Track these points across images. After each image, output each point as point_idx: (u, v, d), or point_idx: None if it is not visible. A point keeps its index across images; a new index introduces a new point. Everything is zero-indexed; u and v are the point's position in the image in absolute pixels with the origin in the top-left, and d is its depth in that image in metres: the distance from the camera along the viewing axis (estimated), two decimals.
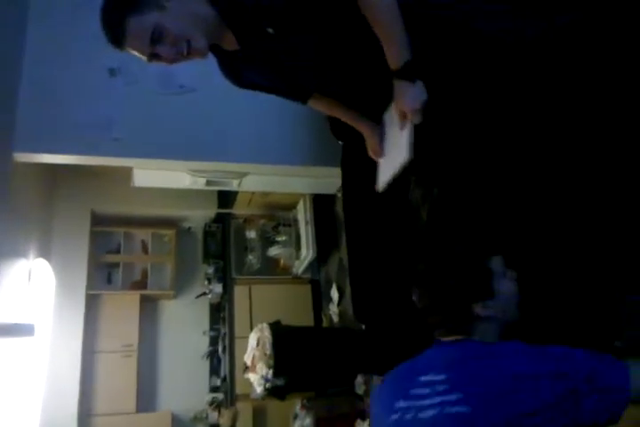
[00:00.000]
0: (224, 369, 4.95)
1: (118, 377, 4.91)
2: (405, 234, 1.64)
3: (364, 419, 3.72)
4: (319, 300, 4.87)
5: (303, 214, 4.53)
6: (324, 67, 1.47)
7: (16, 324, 3.32)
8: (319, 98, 1.63)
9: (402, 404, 1.19)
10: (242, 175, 3.77)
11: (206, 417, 4.89)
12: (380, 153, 1.55)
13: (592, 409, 1.03)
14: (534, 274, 1.37)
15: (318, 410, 3.84)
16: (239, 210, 5.05)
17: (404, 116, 1.37)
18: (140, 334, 5.12)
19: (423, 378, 1.17)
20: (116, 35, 1.36)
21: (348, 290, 4.15)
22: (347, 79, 1.50)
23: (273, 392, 3.41)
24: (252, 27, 1.37)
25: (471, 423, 1.06)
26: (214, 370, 5.15)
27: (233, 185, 3.94)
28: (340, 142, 1.84)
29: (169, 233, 5.54)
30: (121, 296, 5.21)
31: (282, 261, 4.98)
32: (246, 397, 4.31)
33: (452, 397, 1.09)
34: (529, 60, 1.41)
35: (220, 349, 5.10)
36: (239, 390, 4.57)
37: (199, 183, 3.81)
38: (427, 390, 1.14)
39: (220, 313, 5.22)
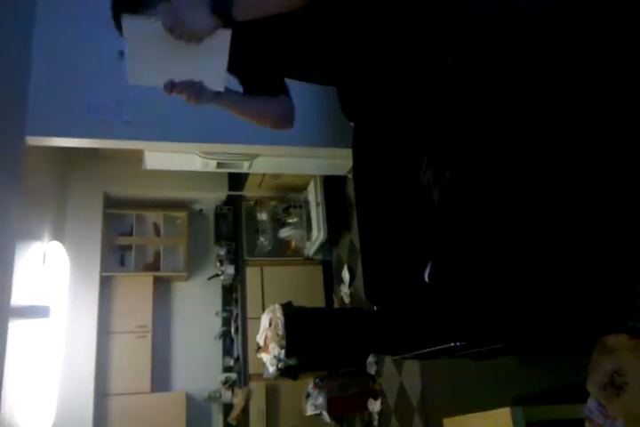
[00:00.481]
0: (237, 349, 5.00)
1: (133, 357, 4.98)
2: (417, 215, 1.64)
3: (375, 398, 3.77)
4: (330, 281, 4.89)
5: (314, 196, 4.53)
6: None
7: (32, 306, 3.38)
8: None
9: None
10: (252, 157, 3.77)
11: (220, 397, 4.97)
12: None
13: None
14: (549, 254, 1.36)
15: (330, 389, 3.89)
16: (250, 192, 5.05)
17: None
18: (154, 315, 5.17)
19: None
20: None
21: (359, 271, 4.16)
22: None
23: (285, 372, 3.45)
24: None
25: None
26: (227, 350, 5.21)
27: (243, 167, 3.94)
28: (351, 123, 1.82)
29: (181, 215, 5.56)
30: (134, 278, 5.26)
31: (293, 243, 4.99)
32: (259, 376, 4.37)
33: None
34: (538, 36, 1.38)
35: (232, 329, 5.15)
36: (252, 369, 4.62)
37: (210, 166, 3.82)
38: None
39: (232, 294, 5.26)
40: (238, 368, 4.91)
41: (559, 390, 2.06)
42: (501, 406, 1.94)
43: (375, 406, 3.75)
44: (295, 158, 3.90)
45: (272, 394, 4.66)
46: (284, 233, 4.92)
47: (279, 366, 3.42)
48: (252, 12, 1.33)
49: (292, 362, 3.40)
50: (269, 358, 3.48)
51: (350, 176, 4.11)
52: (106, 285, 5.02)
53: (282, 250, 5.05)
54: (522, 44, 1.37)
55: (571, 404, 1.80)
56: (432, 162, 1.59)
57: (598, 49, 1.32)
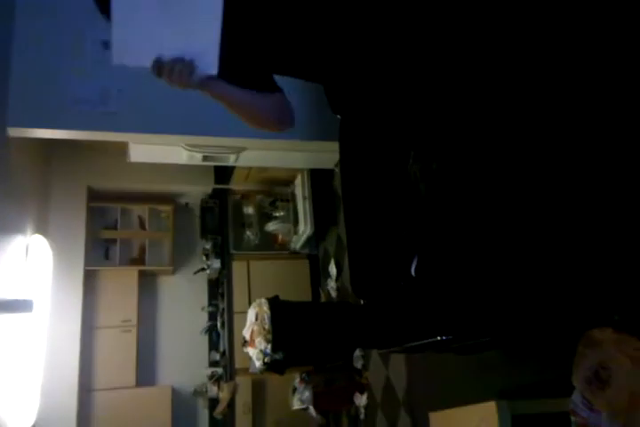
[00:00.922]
0: (223, 344, 4.99)
1: (118, 352, 4.95)
2: (404, 208, 1.63)
3: (361, 392, 3.77)
4: (317, 275, 4.88)
5: (301, 189, 4.51)
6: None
7: (14, 300, 3.33)
8: None
9: None
10: (239, 150, 3.74)
11: (206, 391, 4.96)
12: None
13: None
14: (535, 247, 1.36)
15: (317, 384, 3.89)
16: (236, 185, 5.02)
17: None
18: (139, 309, 5.15)
19: None
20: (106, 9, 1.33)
21: (346, 265, 4.16)
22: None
23: (272, 366, 3.44)
24: None
25: None
26: (213, 345, 5.20)
27: (230, 160, 3.91)
28: (337, 116, 1.80)
29: (166, 209, 5.52)
30: (119, 272, 5.23)
31: (280, 237, 4.98)
32: (245, 371, 4.36)
33: None
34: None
35: (218, 324, 5.14)
36: (238, 364, 4.62)
37: (196, 158, 3.78)
38: None
39: (218, 288, 5.24)
40: (224, 363, 4.90)
41: (544, 384, 2.07)
42: (487, 399, 1.95)
43: (361, 400, 3.76)
44: (282, 152, 3.87)
45: (258, 388, 4.66)
46: (271, 227, 4.90)
47: (265, 360, 3.41)
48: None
49: (278, 356, 3.40)
50: (256, 352, 3.47)
51: (337, 170, 4.10)
52: (90, 279, 4.97)
53: (268, 244, 5.04)
54: (517, 37, 1.35)
55: (556, 398, 1.81)
56: (419, 155, 1.58)
57: (595, 48, 1.32)
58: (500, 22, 1.36)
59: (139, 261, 5.36)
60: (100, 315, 5.01)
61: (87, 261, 4.87)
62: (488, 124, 1.43)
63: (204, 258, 5.18)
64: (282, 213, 4.84)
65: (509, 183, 1.41)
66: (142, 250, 5.40)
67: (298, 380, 3.98)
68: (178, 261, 5.43)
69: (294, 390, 4.01)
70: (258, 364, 3.47)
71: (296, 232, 4.67)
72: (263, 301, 3.54)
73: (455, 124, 1.45)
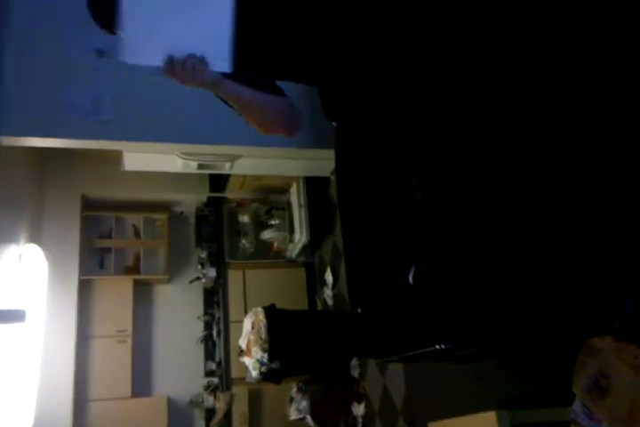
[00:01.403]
0: (219, 353, 4.96)
1: (113, 362, 4.91)
2: (400, 216, 1.61)
3: (359, 402, 3.74)
4: (313, 283, 4.87)
5: (296, 197, 4.50)
6: None
7: (6, 310, 3.30)
8: None
9: None
10: (234, 158, 3.73)
11: (202, 401, 4.92)
12: None
13: None
14: (534, 256, 1.35)
15: (314, 393, 3.86)
16: (231, 194, 5.01)
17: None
18: (134, 318, 5.11)
19: None
20: (107, 26, 1.33)
21: (342, 273, 4.14)
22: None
23: (268, 376, 3.41)
24: None
25: None
26: (209, 354, 5.16)
27: (225, 168, 3.90)
28: (333, 123, 1.79)
29: (161, 217, 5.50)
30: (114, 281, 5.19)
31: (275, 245, 4.96)
32: (242, 380, 4.33)
33: None
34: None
35: (214, 333, 5.10)
36: (234, 373, 4.59)
37: (191, 167, 3.77)
38: None
39: (213, 297, 5.21)
40: (220, 372, 4.86)
41: (544, 393, 2.05)
42: (487, 409, 1.93)
43: (359, 409, 3.73)
44: (277, 160, 3.87)
45: (255, 398, 4.62)
46: (267, 235, 4.88)
47: (262, 369, 3.38)
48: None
49: (274, 366, 3.37)
50: (252, 361, 3.44)
51: (333, 177, 4.09)
52: (85, 288, 4.94)
53: (264, 252, 5.02)
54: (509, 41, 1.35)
55: (556, 407, 1.79)
56: (415, 163, 1.57)
57: (592, 48, 1.31)
58: (494, 34, 1.35)
59: (134, 269, 5.33)
60: (94, 325, 4.97)
61: (82, 271, 4.85)
62: (484, 131, 1.42)
63: (200, 267, 5.16)
64: (277, 222, 4.83)
65: (507, 191, 1.40)
66: (137, 259, 5.37)
67: (295, 389, 3.95)
68: (173, 270, 5.40)
69: (291, 399, 3.98)
70: (254, 373, 3.44)
71: (292, 240, 4.65)
72: (259, 309, 3.52)
73: (451, 131, 1.44)
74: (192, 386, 5.01)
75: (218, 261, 5.07)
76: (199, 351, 5.21)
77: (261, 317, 3.47)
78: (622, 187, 1.30)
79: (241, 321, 3.73)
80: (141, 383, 5.04)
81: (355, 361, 3.84)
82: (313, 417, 3.88)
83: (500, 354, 2.14)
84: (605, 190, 1.33)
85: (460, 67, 1.38)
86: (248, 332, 3.54)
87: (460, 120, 1.42)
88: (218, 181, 5.03)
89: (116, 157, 3.78)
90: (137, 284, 5.24)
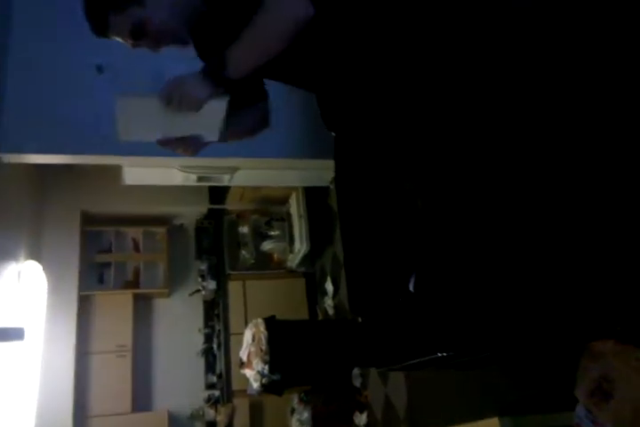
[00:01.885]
0: (220, 366, 4.94)
1: (113, 378, 4.89)
2: (401, 224, 1.63)
3: (361, 411, 3.73)
4: (314, 293, 4.86)
5: (296, 208, 4.52)
6: None
7: (5, 328, 3.28)
8: None
9: None
10: (233, 170, 3.75)
11: (203, 415, 4.89)
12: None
13: None
14: (536, 261, 1.36)
15: (315, 404, 3.85)
16: (231, 205, 5.02)
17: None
18: (134, 333, 5.09)
19: None
20: (98, 28, 1.39)
21: (343, 283, 4.14)
22: None
23: (270, 388, 3.40)
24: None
25: None
26: (210, 367, 5.14)
27: (224, 180, 3.92)
28: (332, 133, 1.81)
29: (160, 231, 5.50)
30: (114, 296, 5.18)
31: (276, 256, 4.97)
32: (243, 393, 4.31)
33: None
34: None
35: (215, 346, 5.09)
36: (235, 386, 4.57)
37: (190, 180, 3.79)
38: None
39: (214, 310, 5.20)
40: (221, 385, 4.84)
41: (546, 399, 2.05)
42: (489, 415, 1.93)
43: (361, 419, 3.71)
44: (276, 171, 3.89)
45: (256, 410, 4.60)
46: (267, 246, 4.89)
47: (263, 381, 3.37)
48: (245, 66, 1.33)
49: (276, 377, 3.36)
50: (253, 373, 3.43)
51: (332, 187, 4.11)
52: (84, 304, 4.93)
53: (264, 263, 5.02)
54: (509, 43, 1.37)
55: (559, 412, 1.80)
56: (415, 173, 1.59)
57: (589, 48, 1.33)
58: (491, 39, 1.38)
59: (133, 284, 5.32)
60: (94, 340, 4.95)
61: (81, 286, 4.84)
62: (482, 139, 1.44)
63: (200, 279, 5.16)
64: (277, 232, 4.84)
65: (506, 198, 1.42)
66: (137, 273, 5.36)
67: (296, 400, 3.93)
68: (173, 284, 5.40)
69: (293, 410, 3.96)
70: (256, 385, 3.42)
71: (292, 251, 4.66)
72: (260, 321, 3.51)
73: (450, 138, 1.46)
74: (193, 399, 4.99)
75: (218, 272, 5.07)
76: (200, 364, 5.18)
77: (262, 328, 3.46)
78: (623, 191, 1.32)
79: (241, 333, 3.72)
80: (142, 398, 5.02)
81: (356, 371, 3.83)
82: None
83: (501, 360, 2.14)
84: (605, 197, 1.34)
85: (458, 73, 1.40)
86: (249, 344, 3.54)
87: (458, 128, 1.44)
88: (217, 193, 5.05)
89: (116, 171, 3.79)
90: (137, 298, 5.23)
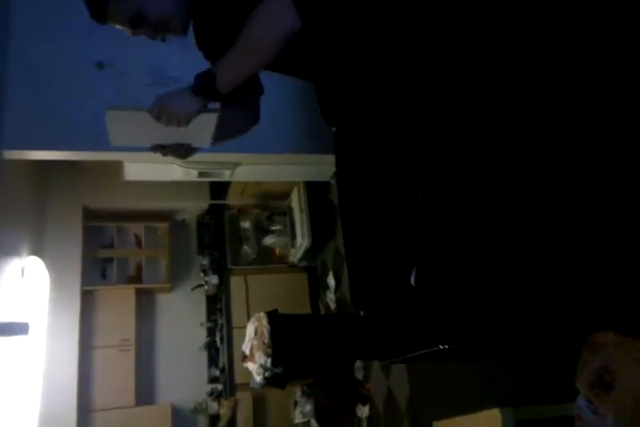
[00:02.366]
0: (222, 360, 4.96)
1: (116, 372, 4.92)
2: (402, 218, 1.64)
3: (364, 404, 3.75)
4: (316, 288, 4.88)
5: (297, 202, 4.52)
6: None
7: (10, 323, 3.31)
8: None
9: None
10: (234, 166, 3.76)
11: (206, 408, 4.92)
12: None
13: None
14: (536, 254, 1.37)
15: (318, 397, 3.87)
16: (232, 200, 5.03)
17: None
18: (137, 327, 5.12)
19: None
20: (98, 15, 1.40)
21: (344, 277, 4.16)
22: None
23: (272, 381, 3.42)
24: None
25: None
26: (213, 361, 5.17)
27: (225, 176, 3.92)
28: (332, 128, 1.82)
29: (162, 226, 5.52)
30: (116, 291, 5.21)
31: (277, 250, 4.98)
32: (246, 386, 4.33)
33: None
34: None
35: (217, 339, 5.11)
36: (238, 379, 4.59)
37: (191, 175, 3.80)
38: None
39: (216, 304, 5.23)
40: (224, 379, 4.87)
41: (547, 390, 2.07)
42: (490, 407, 1.95)
43: (364, 411, 3.74)
44: (277, 166, 3.89)
45: (259, 404, 4.63)
46: (268, 241, 4.90)
47: (266, 375, 3.39)
48: (233, 81, 1.34)
49: (278, 370, 3.38)
50: (256, 367, 3.45)
51: (333, 182, 4.11)
52: (87, 299, 4.95)
53: (266, 258, 5.04)
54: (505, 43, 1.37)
55: (560, 403, 1.81)
56: (415, 167, 1.59)
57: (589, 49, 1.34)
58: (493, 37, 1.38)
59: (136, 279, 5.34)
60: (97, 335, 4.98)
61: (84, 281, 4.86)
62: (483, 133, 1.44)
63: (202, 274, 5.17)
64: (279, 227, 4.85)
65: (507, 192, 1.43)
66: (139, 268, 5.39)
67: (299, 393, 3.96)
68: (175, 278, 5.42)
69: (295, 403, 3.99)
70: (258, 379, 3.45)
71: (294, 245, 4.67)
72: (262, 315, 3.53)
73: (451, 132, 1.47)
74: (196, 393, 5.02)
75: (220, 267, 5.08)
76: (202, 358, 5.21)
77: (264, 322, 3.48)
78: (624, 183, 1.33)
79: (244, 327, 3.74)
80: (145, 392, 5.05)
81: (358, 364, 3.85)
82: (318, 420, 3.88)
83: (502, 353, 2.16)
84: (605, 189, 1.35)
85: (459, 68, 1.40)
86: (251, 337, 3.56)
87: (459, 122, 1.45)
88: (218, 189, 5.06)
89: (117, 167, 3.80)
90: (139, 293, 5.26)
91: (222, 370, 4.96)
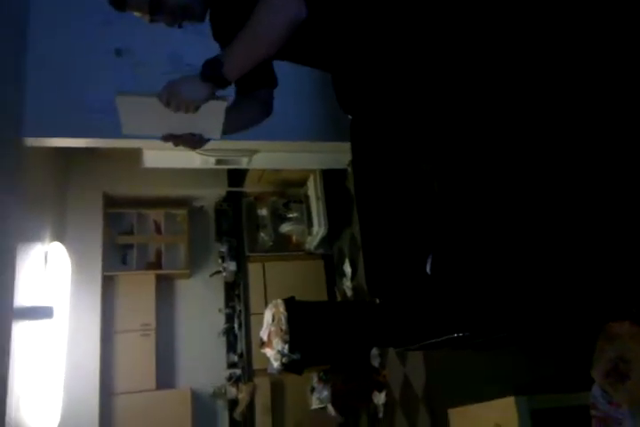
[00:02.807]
0: (241, 345, 5.02)
1: (137, 356, 5.00)
2: (418, 206, 1.64)
3: (380, 390, 3.78)
4: (332, 275, 4.90)
5: (314, 190, 4.53)
6: None
7: (35, 306, 3.38)
8: None
9: None
10: (251, 153, 3.77)
11: (225, 392, 4.99)
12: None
13: None
14: (552, 242, 1.37)
15: (335, 383, 3.91)
16: (250, 188, 5.05)
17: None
18: (157, 313, 5.19)
19: None
20: (117, 2, 1.43)
21: (361, 264, 4.17)
22: None
23: (290, 367, 3.46)
24: None
25: None
26: (231, 346, 5.23)
27: (243, 163, 3.94)
28: (348, 116, 1.82)
29: (181, 213, 5.57)
30: (136, 277, 5.27)
31: (294, 238, 5.00)
32: (263, 371, 4.38)
33: None
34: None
35: (235, 325, 5.17)
36: (256, 365, 4.64)
37: (209, 162, 3.82)
38: None
39: (234, 291, 5.27)
40: (242, 364, 4.93)
41: (562, 378, 2.07)
42: (505, 395, 1.95)
43: (380, 398, 3.77)
44: (294, 153, 3.90)
45: (277, 389, 4.68)
46: (285, 228, 4.93)
47: (283, 360, 3.43)
48: (240, 68, 1.35)
49: (295, 356, 3.41)
50: (273, 353, 3.49)
51: (350, 169, 4.11)
52: (108, 284, 5.03)
53: (283, 245, 5.06)
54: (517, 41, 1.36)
55: (575, 392, 1.81)
56: (431, 154, 1.59)
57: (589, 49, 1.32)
58: (500, 30, 1.37)
59: (155, 265, 5.41)
60: (119, 319, 5.06)
61: (105, 267, 4.92)
62: (499, 120, 1.43)
63: (220, 261, 5.22)
64: (295, 215, 4.86)
65: (523, 178, 1.42)
66: (159, 254, 5.45)
67: (316, 379, 4.00)
68: (194, 265, 5.47)
69: (312, 389, 4.03)
70: (276, 364, 3.49)
71: (310, 233, 4.69)
72: (279, 302, 3.56)
73: (466, 119, 1.46)
74: (215, 378, 5.09)
75: (238, 254, 5.12)
76: (221, 344, 5.27)
77: (282, 309, 3.51)
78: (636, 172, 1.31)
79: (261, 313, 3.78)
80: (165, 376, 5.13)
81: (375, 351, 3.88)
82: (334, 406, 3.92)
83: (518, 341, 2.16)
84: (623, 178, 1.34)
85: (476, 52, 1.39)
86: (269, 324, 3.59)
87: (474, 109, 1.44)
88: (236, 176, 5.08)
89: (136, 154, 3.84)
90: (159, 279, 5.32)
91: (240, 356, 5.02)
